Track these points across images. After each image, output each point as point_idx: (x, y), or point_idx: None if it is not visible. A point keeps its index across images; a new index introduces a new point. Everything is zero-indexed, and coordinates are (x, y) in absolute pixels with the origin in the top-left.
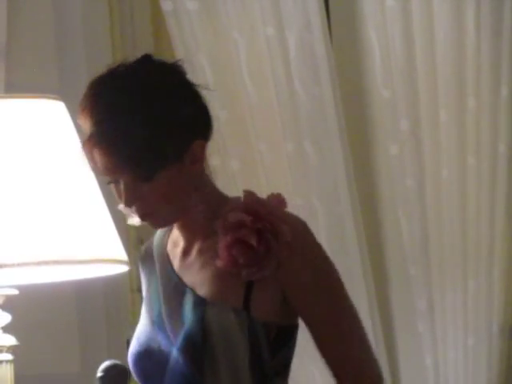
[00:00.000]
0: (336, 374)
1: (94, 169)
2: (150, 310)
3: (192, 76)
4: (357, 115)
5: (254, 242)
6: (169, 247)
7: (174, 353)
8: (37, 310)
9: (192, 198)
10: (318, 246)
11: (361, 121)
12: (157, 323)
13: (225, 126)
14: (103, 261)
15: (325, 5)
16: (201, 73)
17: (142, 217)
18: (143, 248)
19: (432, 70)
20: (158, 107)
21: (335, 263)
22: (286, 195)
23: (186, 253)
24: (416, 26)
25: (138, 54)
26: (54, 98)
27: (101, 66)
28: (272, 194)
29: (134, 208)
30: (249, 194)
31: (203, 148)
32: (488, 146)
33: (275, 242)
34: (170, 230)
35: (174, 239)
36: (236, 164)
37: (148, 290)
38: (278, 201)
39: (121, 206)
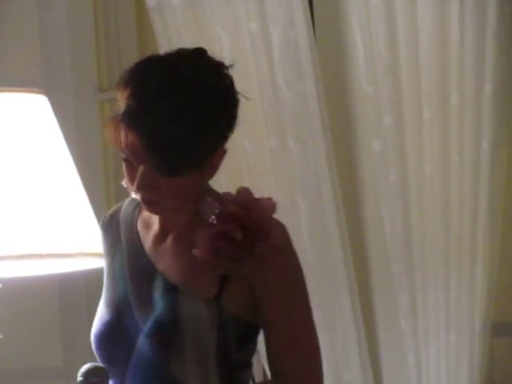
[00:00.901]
0: (280, 376)
1: (117, 145)
2: (113, 289)
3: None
4: (340, 111)
5: (239, 237)
6: (139, 225)
7: (142, 338)
8: (19, 303)
9: (202, 200)
10: (297, 259)
11: (344, 117)
12: (123, 304)
13: None
14: (85, 254)
15: (309, 1)
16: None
17: (146, 202)
18: (107, 216)
19: (415, 66)
20: (204, 111)
21: (317, 258)
22: (268, 191)
23: (159, 237)
24: (400, 23)
25: (122, 49)
26: (38, 92)
27: (84, 62)
28: (264, 197)
29: (142, 193)
30: (243, 191)
31: (223, 154)
32: (471, 143)
33: (261, 244)
34: (141, 207)
35: (146, 219)
36: None
37: (111, 266)
38: (268, 204)
39: (124, 181)
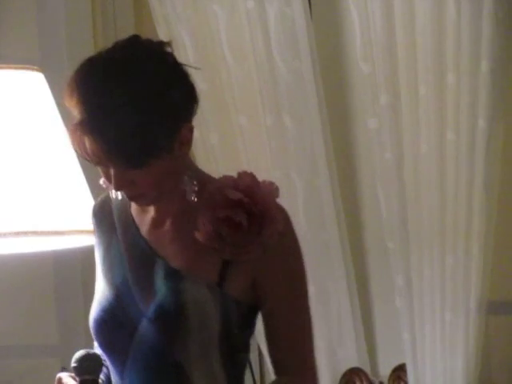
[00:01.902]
0: (279, 367)
1: (81, 153)
2: (110, 275)
3: (172, 50)
4: (336, 89)
5: (245, 223)
6: (134, 211)
7: (145, 322)
8: (14, 280)
9: (180, 180)
10: (299, 245)
11: (340, 95)
12: (122, 290)
13: (204, 99)
14: (82, 232)
15: None
16: (181, 46)
17: (131, 198)
18: (97, 204)
19: (412, 44)
20: (149, 95)
21: (313, 236)
22: (264, 168)
23: (157, 222)
24: (396, 1)
25: (119, 27)
26: (34, 70)
27: (81, 38)
28: (265, 181)
29: (123, 191)
30: (245, 175)
31: (191, 131)
32: (467, 121)
33: (268, 230)
34: None
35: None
36: (215, 137)
37: (107, 253)
38: (271, 188)
39: (102, 180)
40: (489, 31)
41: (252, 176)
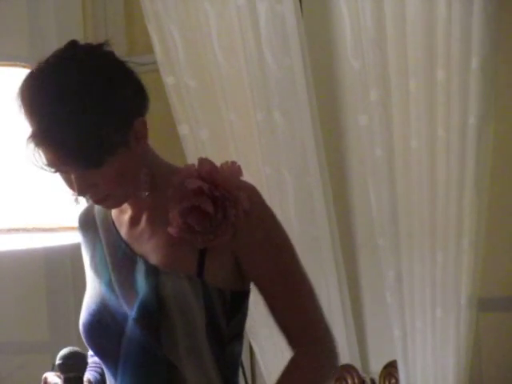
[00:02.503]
0: (290, 339)
1: (40, 165)
2: (97, 279)
3: (164, 46)
4: (326, 85)
5: (210, 209)
6: (113, 214)
7: (130, 322)
8: (5, 277)
9: (142, 174)
10: (271, 211)
11: (330, 91)
12: (108, 293)
13: (194, 95)
14: (72, 228)
15: None
16: (171, 42)
17: (97, 202)
18: (82, 213)
19: (402, 40)
20: (96, 95)
21: (304, 232)
22: (255, 165)
23: (134, 221)
24: None
25: (110, 25)
26: (24, 66)
27: (71, 34)
28: (226, 162)
29: (87, 195)
30: (204, 162)
31: (145, 124)
32: (458, 118)
33: (233, 210)
34: None
35: (122, 207)
36: (205, 133)
37: (93, 258)
38: (232, 169)
39: (71, 193)
40: (479, 28)
41: (209, 161)
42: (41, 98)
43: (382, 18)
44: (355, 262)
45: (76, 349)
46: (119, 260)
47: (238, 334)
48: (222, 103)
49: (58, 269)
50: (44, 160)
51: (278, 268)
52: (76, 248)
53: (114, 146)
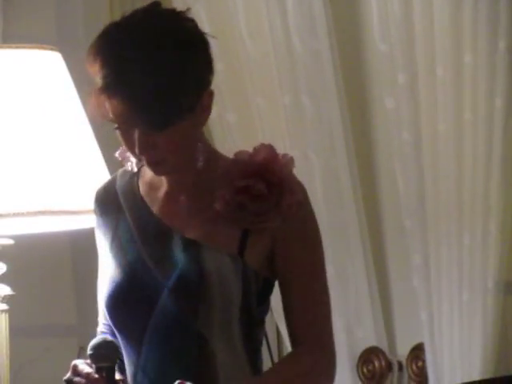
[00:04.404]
0: (297, 339)
1: (104, 116)
2: (122, 254)
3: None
4: (354, 69)
5: (265, 191)
6: (143, 191)
7: (166, 294)
8: (32, 260)
9: (197, 147)
10: (315, 217)
11: (358, 74)
12: (138, 266)
13: (222, 78)
14: None
15: None
16: (198, 25)
17: (151, 164)
18: (101, 191)
19: (429, 23)
20: (176, 57)
21: (331, 215)
22: (282, 148)
23: (170, 197)
24: None
25: (137, 6)
26: (51, 49)
27: (98, 18)
28: (281, 154)
29: (144, 155)
30: (264, 148)
31: (212, 97)
32: (484, 101)
33: (287, 197)
34: (139, 173)
35: (151, 182)
36: (233, 117)
37: (116, 235)
38: (287, 159)
39: (118, 153)
40: (506, 10)
41: (269, 148)
42: (122, 48)
43: (409, 1)
44: (382, 245)
45: (108, 338)
46: (150, 234)
47: (262, 321)
48: (249, 87)
49: (84, 252)
50: (114, 111)
51: (308, 267)
52: None
53: (183, 110)
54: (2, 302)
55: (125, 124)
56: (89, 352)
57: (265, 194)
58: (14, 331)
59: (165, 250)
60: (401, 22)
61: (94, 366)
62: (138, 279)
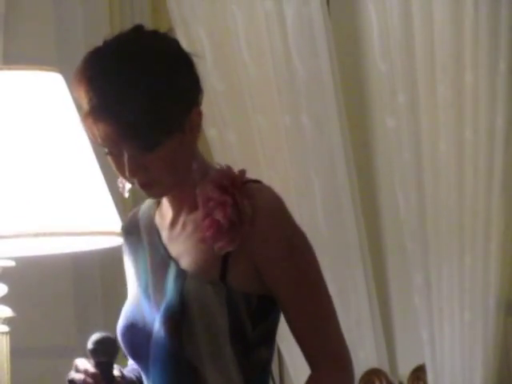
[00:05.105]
0: (313, 361)
1: (94, 141)
2: (137, 283)
3: (190, 48)
4: (354, 88)
5: (219, 216)
6: (157, 219)
7: (156, 325)
8: (33, 281)
9: (191, 167)
10: (292, 220)
11: (358, 94)
12: (143, 296)
13: (222, 98)
14: (100, 233)
15: None
16: (199, 45)
17: (144, 186)
18: (127, 219)
19: (430, 43)
20: (160, 77)
21: (332, 236)
22: (282, 168)
23: (173, 224)
24: (414, 0)
25: None
26: (52, 70)
27: (99, 38)
28: (241, 170)
29: (136, 178)
30: (221, 169)
31: (200, 115)
32: (485, 120)
33: (237, 217)
34: (159, 202)
35: (163, 211)
36: (233, 136)
37: (136, 262)
38: (240, 171)
39: (120, 180)
40: (506, 31)
41: (227, 169)
42: (104, 71)
43: (410, 19)
44: (383, 264)
45: (107, 334)
46: (157, 263)
47: (266, 339)
48: (249, 106)
49: (86, 274)
50: (101, 135)
51: (298, 277)
52: (105, 253)
53: (170, 129)
54: (3, 323)
55: (112, 148)
56: (88, 347)
57: (218, 218)
58: (15, 353)
59: (162, 280)
60: (401, 41)
61: (93, 361)
62: (142, 310)
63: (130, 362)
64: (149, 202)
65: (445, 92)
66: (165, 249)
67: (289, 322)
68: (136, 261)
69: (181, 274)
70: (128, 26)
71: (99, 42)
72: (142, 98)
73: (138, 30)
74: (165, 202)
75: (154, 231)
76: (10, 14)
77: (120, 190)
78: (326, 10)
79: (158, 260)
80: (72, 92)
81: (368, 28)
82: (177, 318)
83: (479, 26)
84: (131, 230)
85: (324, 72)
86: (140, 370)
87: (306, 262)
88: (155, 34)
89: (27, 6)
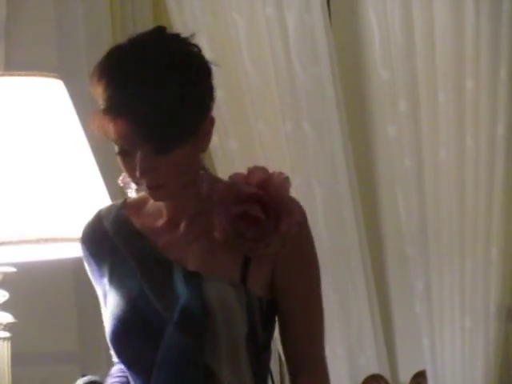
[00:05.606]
0: (294, 365)
1: (105, 138)
2: (123, 290)
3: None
4: (355, 95)
5: (263, 216)
6: (139, 224)
7: (170, 329)
8: (34, 287)
9: (198, 174)
10: (312, 235)
11: (359, 101)
12: (140, 300)
13: (224, 105)
14: None
15: None
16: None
17: (152, 188)
18: (88, 229)
19: (431, 50)
20: (181, 81)
21: (333, 242)
22: None
23: (171, 227)
24: (415, 7)
25: (138, 31)
26: (53, 76)
27: (100, 46)
28: (275, 172)
29: (145, 179)
30: (256, 170)
31: (213, 123)
32: (486, 127)
33: (286, 220)
34: (129, 207)
35: (151, 213)
36: (234, 144)
37: (113, 270)
38: (282, 179)
39: (120, 180)
40: (507, 38)
41: (263, 169)
42: (128, 69)
43: (411, 27)
44: (384, 270)
45: (93, 378)
46: (150, 268)
47: (270, 343)
48: (250, 114)
49: (87, 279)
50: (118, 133)
51: (309, 294)
52: None
53: (187, 134)
54: (4, 329)
55: (128, 145)
56: None
57: (262, 218)
58: (16, 359)
59: (166, 284)
60: (402, 48)
61: None
62: (141, 315)
63: (113, 372)
64: (108, 209)
65: (445, 99)
66: (157, 252)
67: (285, 326)
68: (113, 269)
69: (193, 275)
70: (129, 32)
71: (100, 50)
72: (167, 100)
73: (161, 31)
74: (153, 205)
75: (134, 236)
76: (11, 21)
77: (123, 187)
78: (328, 17)
79: (151, 265)
80: (92, 86)
81: (369, 36)
82: (197, 319)
83: (480, 34)
84: (97, 239)
85: (325, 79)
86: (134, 377)
87: (317, 276)
88: (178, 37)
89: (28, 12)
